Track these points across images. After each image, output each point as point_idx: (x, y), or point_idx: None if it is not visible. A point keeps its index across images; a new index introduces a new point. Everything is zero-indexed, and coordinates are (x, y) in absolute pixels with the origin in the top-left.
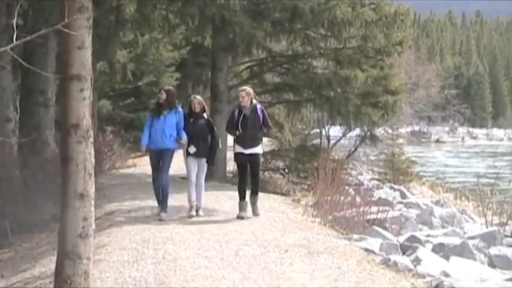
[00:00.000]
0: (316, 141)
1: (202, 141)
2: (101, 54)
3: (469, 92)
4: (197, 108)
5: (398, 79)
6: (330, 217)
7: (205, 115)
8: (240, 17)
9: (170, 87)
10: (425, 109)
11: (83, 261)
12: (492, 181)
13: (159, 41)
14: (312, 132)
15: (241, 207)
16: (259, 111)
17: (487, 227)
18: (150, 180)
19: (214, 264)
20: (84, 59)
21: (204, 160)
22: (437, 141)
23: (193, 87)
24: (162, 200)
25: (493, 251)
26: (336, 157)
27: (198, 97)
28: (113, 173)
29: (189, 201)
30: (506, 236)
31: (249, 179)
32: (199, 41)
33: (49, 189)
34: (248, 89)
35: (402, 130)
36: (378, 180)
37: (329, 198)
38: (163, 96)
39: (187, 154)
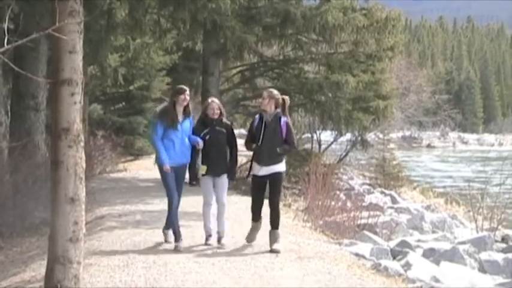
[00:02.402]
0: (307, 145)
1: (220, 154)
2: (92, 58)
3: (460, 97)
4: (216, 114)
5: (389, 84)
6: (321, 222)
7: (224, 120)
8: (231, 21)
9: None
10: (416, 114)
11: (73, 266)
12: (482, 186)
13: (150, 45)
14: (303, 136)
15: (253, 228)
16: (282, 123)
17: (477, 232)
18: (142, 184)
19: (204, 269)
20: (75, 63)
21: (224, 177)
22: (428, 146)
23: None
24: (178, 228)
25: (484, 256)
26: (327, 162)
27: (216, 100)
28: (103, 177)
29: (205, 228)
30: (496, 241)
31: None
32: (191, 45)
33: (40, 193)
34: (273, 91)
35: (393, 135)
36: (369, 185)
37: (320, 203)
38: (188, 98)
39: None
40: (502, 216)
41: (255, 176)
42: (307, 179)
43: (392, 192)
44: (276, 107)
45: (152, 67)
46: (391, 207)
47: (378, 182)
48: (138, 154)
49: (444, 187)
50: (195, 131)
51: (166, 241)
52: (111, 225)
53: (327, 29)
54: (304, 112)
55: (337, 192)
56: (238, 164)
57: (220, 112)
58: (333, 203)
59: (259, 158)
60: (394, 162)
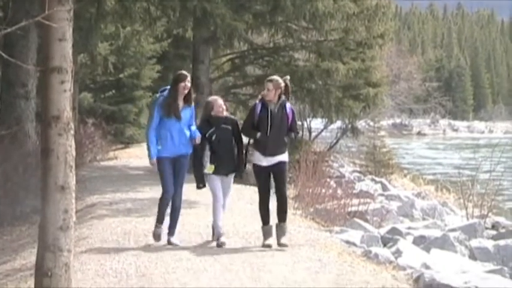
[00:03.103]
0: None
1: (228, 152)
2: (82, 46)
3: (451, 85)
4: (221, 112)
5: (379, 72)
6: (311, 209)
7: (227, 116)
8: (221, 9)
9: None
10: (406, 101)
11: (63, 254)
12: (472, 173)
13: (140, 33)
14: None
15: (267, 233)
16: (288, 110)
17: (467, 219)
18: (132, 172)
19: (195, 256)
20: (64, 51)
21: (231, 177)
22: (419, 133)
23: None
24: (172, 223)
25: (474, 243)
26: (318, 149)
27: (219, 98)
28: (94, 165)
29: (216, 226)
30: (486, 228)
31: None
32: (181, 33)
33: (30, 181)
34: (279, 80)
35: (383, 122)
36: (359, 172)
37: (310, 190)
38: (189, 84)
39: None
40: (492, 203)
41: (258, 166)
42: (298, 166)
43: (383, 180)
44: (280, 95)
45: (142, 55)
46: (382, 195)
47: (368, 169)
48: (128, 142)
49: (434, 174)
50: (200, 131)
51: (155, 239)
52: (101, 213)
53: (317, 16)
54: (295, 100)
55: (328, 179)
56: None
57: (225, 108)
58: (323, 190)
59: (264, 148)
60: (385, 150)
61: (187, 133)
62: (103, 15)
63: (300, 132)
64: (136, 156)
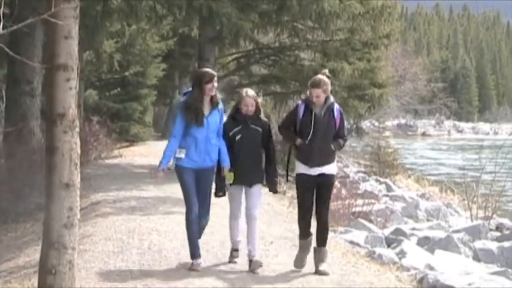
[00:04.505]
0: None
1: (253, 158)
2: (87, 44)
3: (456, 86)
4: (251, 111)
5: (385, 72)
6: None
7: (259, 115)
8: (227, 8)
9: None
10: (411, 102)
11: (67, 251)
12: (476, 174)
13: (146, 31)
14: None
15: (304, 248)
16: (336, 113)
17: (472, 221)
18: (136, 170)
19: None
20: (70, 49)
21: (258, 187)
22: (424, 134)
23: (180, 78)
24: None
25: (478, 244)
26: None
27: (251, 92)
28: (98, 163)
29: (232, 240)
30: (491, 229)
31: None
32: (186, 32)
33: (34, 178)
34: (326, 81)
35: (388, 123)
36: (364, 172)
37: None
38: (216, 85)
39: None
40: (497, 205)
41: (302, 175)
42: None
43: (387, 180)
44: (326, 99)
45: (148, 53)
46: (386, 195)
47: (373, 169)
48: (133, 140)
49: (438, 175)
50: (224, 128)
51: (192, 269)
52: (105, 211)
53: (323, 16)
54: (300, 99)
55: None
56: None
57: (257, 107)
58: None
59: (307, 157)
60: (389, 150)
61: (216, 142)
62: (109, 13)
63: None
64: (141, 154)
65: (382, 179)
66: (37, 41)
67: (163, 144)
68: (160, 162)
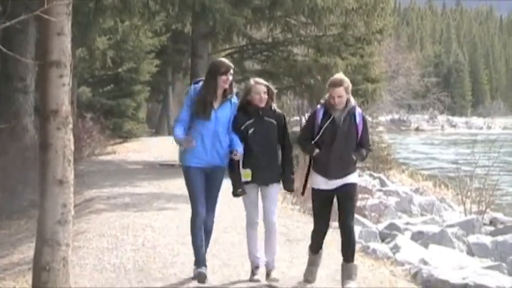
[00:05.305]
0: (296, 128)
1: (269, 154)
2: (80, 40)
3: (449, 80)
4: (263, 101)
5: (378, 67)
6: (310, 205)
7: (273, 107)
8: (220, 3)
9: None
10: (405, 97)
11: (61, 248)
12: (470, 169)
13: (139, 27)
14: (291, 119)
15: (313, 264)
16: (358, 118)
17: (465, 215)
18: (130, 166)
19: (192, 251)
20: (63, 45)
21: (274, 187)
22: (417, 129)
23: (173, 74)
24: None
25: (472, 239)
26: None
27: (262, 81)
28: (92, 159)
29: (251, 257)
30: (484, 224)
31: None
32: (180, 27)
33: (28, 175)
34: (343, 78)
35: (382, 118)
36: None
37: (309, 185)
38: (231, 78)
39: (241, 181)
40: (490, 199)
41: (317, 190)
42: (296, 161)
43: (381, 175)
44: (347, 102)
45: (141, 49)
46: (380, 190)
47: (366, 165)
48: (126, 137)
49: (430, 169)
50: (234, 122)
51: (195, 278)
52: (99, 207)
53: (316, 11)
54: (293, 95)
55: None
56: None
57: (269, 96)
58: None
59: (325, 169)
60: (383, 145)
61: (226, 138)
62: (102, 9)
63: (299, 128)
64: (135, 150)
65: (375, 174)
66: (30, 37)
67: (156, 140)
68: (176, 135)
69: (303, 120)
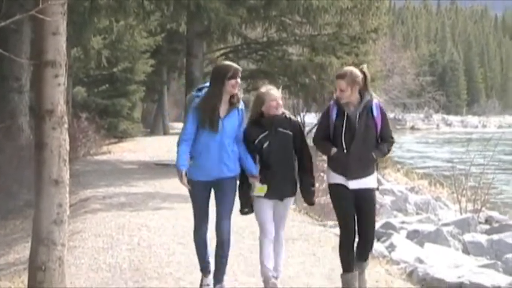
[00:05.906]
0: None
1: (283, 168)
2: (75, 40)
3: (444, 79)
4: (279, 110)
5: (373, 66)
6: (305, 204)
7: (287, 115)
8: (215, 3)
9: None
10: (400, 96)
11: (57, 248)
12: (465, 167)
13: (134, 27)
14: None
15: (348, 283)
16: (375, 112)
17: (461, 214)
18: (125, 166)
19: (189, 251)
20: (58, 45)
21: (289, 202)
22: (412, 128)
23: (168, 74)
24: (217, 265)
25: (467, 237)
26: (311, 144)
27: (274, 88)
28: (87, 159)
29: (263, 269)
30: (480, 222)
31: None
32: (174, 27)
33: (23, 175)
34: (353, 71)
35: None
36: None
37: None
38: (239, 81)
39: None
40: (486, 198)
41: (337, 186)
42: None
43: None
44: (360, 91)
45: (136, 49)
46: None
47: None
48: (122, 136)
49: (427, 168)
50: (247, 136)
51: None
52: (95, 207)
53: (311, 10)
54: (288, 94)
55: (322, 174)
56: None
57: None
58: (317, 184)
59: (344, 168)
60: None
61: (234, 148)
62: (97, 9)
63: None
64: (130, 150)
65: None
66: (25, 37)
67: (151, 140)
68: (177, 165)
69: (299, 119)
